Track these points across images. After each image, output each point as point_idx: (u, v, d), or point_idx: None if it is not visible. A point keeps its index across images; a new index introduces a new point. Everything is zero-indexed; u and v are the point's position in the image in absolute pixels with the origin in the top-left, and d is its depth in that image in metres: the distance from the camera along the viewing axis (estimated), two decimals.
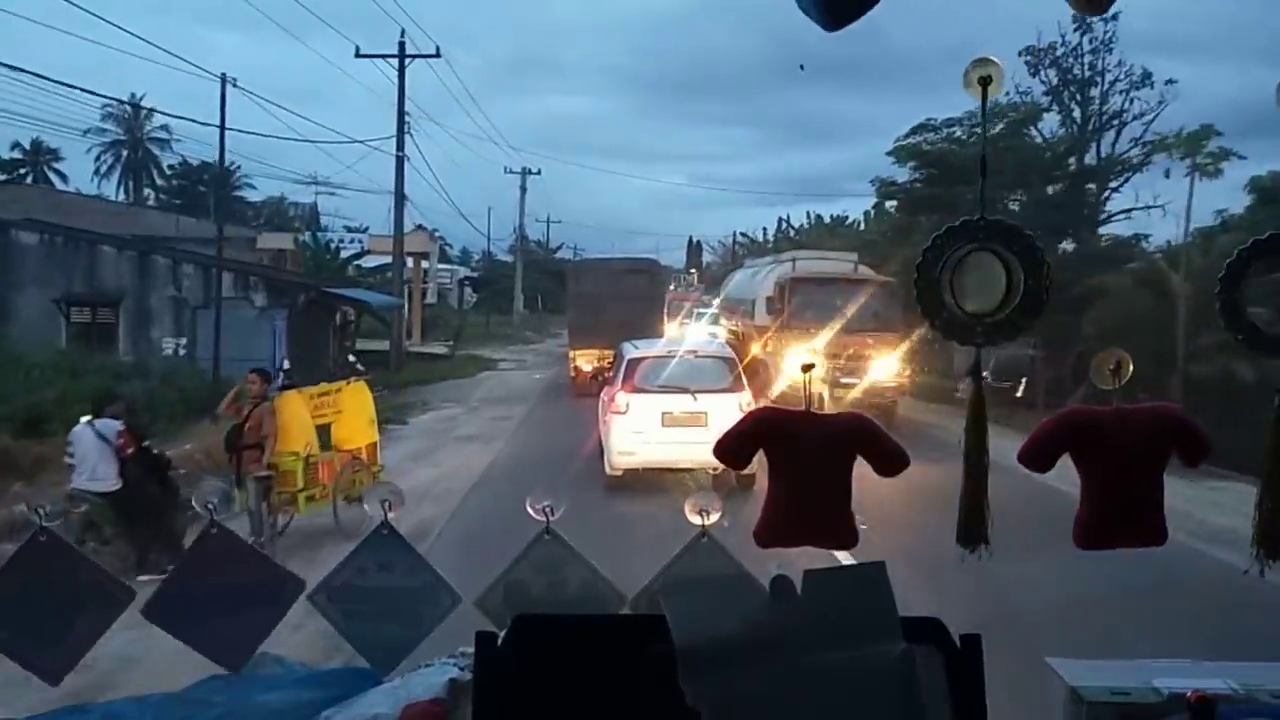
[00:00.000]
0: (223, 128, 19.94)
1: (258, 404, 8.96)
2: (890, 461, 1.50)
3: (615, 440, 11.89)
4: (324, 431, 10.06)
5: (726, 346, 15.94)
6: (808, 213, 63.36)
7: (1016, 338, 1.55)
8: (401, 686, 1.47)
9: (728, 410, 11.19)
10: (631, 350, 13.08)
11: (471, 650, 1.40)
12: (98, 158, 57.99)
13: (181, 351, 21.02)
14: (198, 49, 48.63)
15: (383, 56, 27.05)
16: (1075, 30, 22.61)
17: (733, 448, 1.54)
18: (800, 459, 1.50)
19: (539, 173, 58.38)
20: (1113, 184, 24.03)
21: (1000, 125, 23.61)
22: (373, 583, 1.70)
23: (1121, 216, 23.89)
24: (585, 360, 21.41)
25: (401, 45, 27.13)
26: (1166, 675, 1.49)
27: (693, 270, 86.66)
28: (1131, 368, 1.49)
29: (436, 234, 66.95)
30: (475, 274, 67.01)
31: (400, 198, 28.26)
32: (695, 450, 11.04)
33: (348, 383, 10.99)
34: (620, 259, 27.41)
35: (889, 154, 26.65)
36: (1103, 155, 23.99)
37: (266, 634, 1.68)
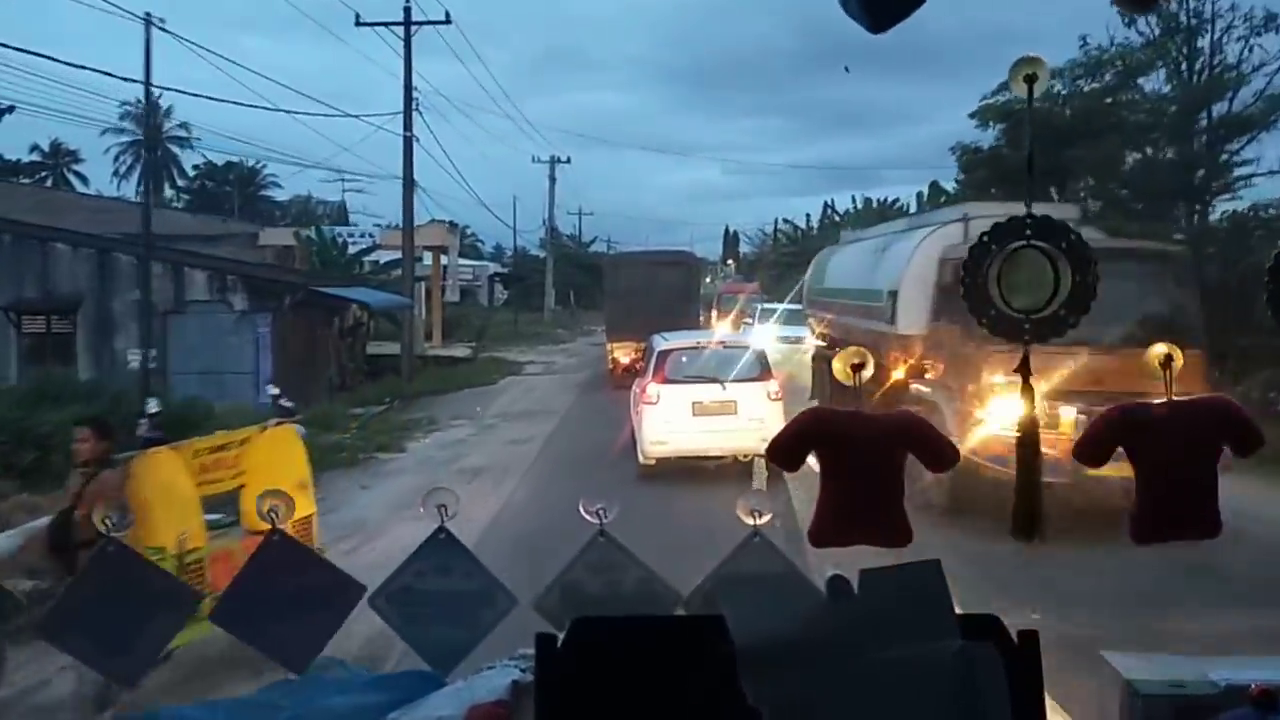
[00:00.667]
0: (148, 82, 19.50)
1: (93, 474, 6.26)
2: (941, 459, 1.70)
3: (648, 430, 13.51)
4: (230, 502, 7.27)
5: (760, 341, 16.94)
6: (853, 197, 63.24)
7: (1064, 334, 1.73)
8: (465, 689, 1.71)
9: (756, 398, 13.42)
10: (661, 342, 14.71)
11: (532, 652, 1.61)
12: (116, 158, 61.64)
13: (151, 365, 19.62)
14: (227, 52, 50.39)
15: (386, 24, 26.97)
16: None
17: (786, 448, 1.77)
18: (853, 459, 1.69)
19: (568, 161, 59.49)
20: (1231, 146, 22.84)
21: (1107, 77, 23.13)
22: (431, 586, 1.93)
23: (1240, 185, 22.77)
24: (622, 352, 23.48)
25: (407, 11, 27.09)
26: (1222, 668, 1.65)
27: (730, 261, 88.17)
28: (1181, 361, 1.74)
29: (468, 230, 66.54)
30: (506, 270, 68.25)
31: (409, 183, 27.84)
32: (726, 438, 13.22)
33: (263, 429, 8.05)
34: (655, 252, 30.62)
35: (971, 115, 25.86)
36: (1215, 113, 22.82)
37: (329, 637, 1.91)
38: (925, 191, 44.23)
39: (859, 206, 57.22)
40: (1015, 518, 1.80)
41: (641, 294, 24.45)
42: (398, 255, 32.53)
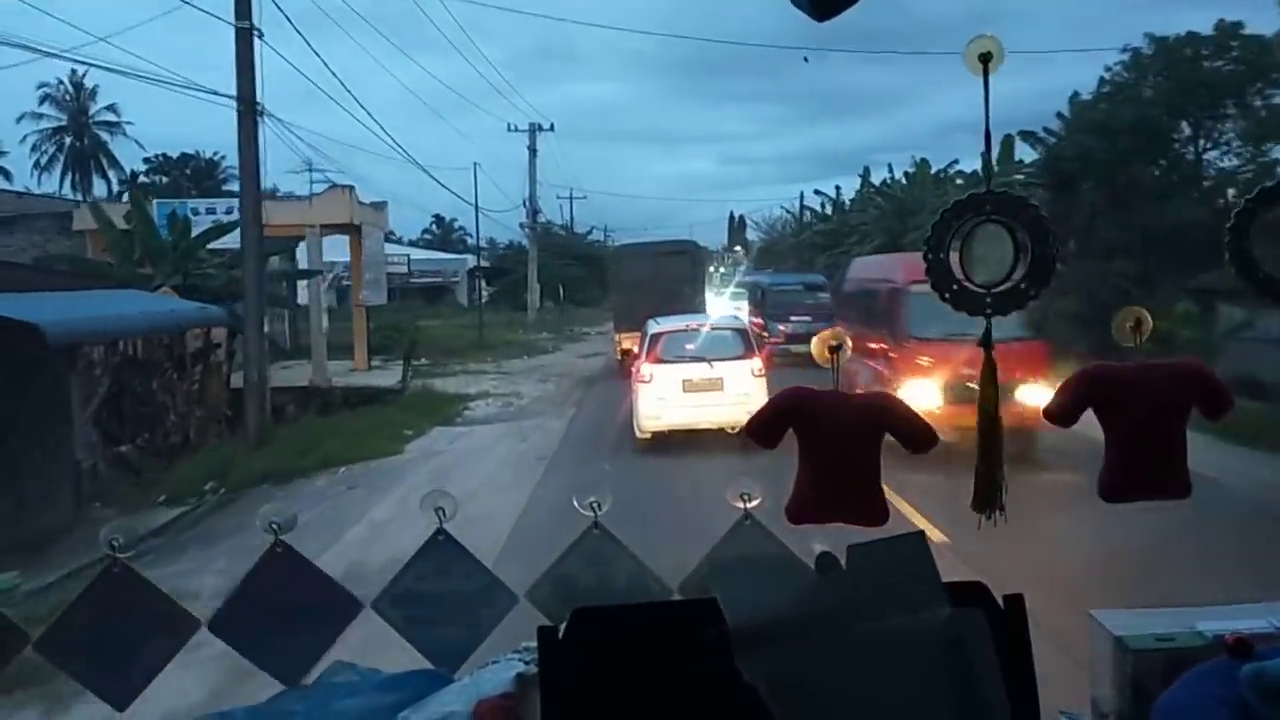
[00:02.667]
0: None
1: None
2: (919, 440, 1.74)
3: (642, 406, 15.09)
4: None
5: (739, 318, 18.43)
6: (889, 166, 48.98)
7: (1025, 305, 1.79)
8: (471, 684, 1.75)
9: (741, 376, 15.08)
10: (654, 326, 16.26)
11: (534, 645, 1.69)
12: (35, 147, 55.33)
13: None
14: (214, 53, 47.41)
15: None
16: None
17: (762, 428, 1.80)
18: (829, 438, 1.74)
19: (551, 128, 51.06)
20: None
21: None
22: (432, 587, 1.99)
23: None
24: (630, 342, 23.04)
25: None
26: (1210, 619, 1.69)
27: (738, 247, 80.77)
28: (1151, 324, 1.80)
29: (455, 223, 61.15)
30: (488, 264, 59.67)
31: (251, 108, 17.39)
32: (714, 412, 14.76)
33: None
34: (660, 242, 30.78)
35: None
36: None
37: (324, 651, 1.97)
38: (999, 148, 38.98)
39: (908, 172, 43.04)
40: (977, 492, 1.86)
41: (648, 284, 25.17)
42: (297, 238, 24.36)
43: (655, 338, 15.80)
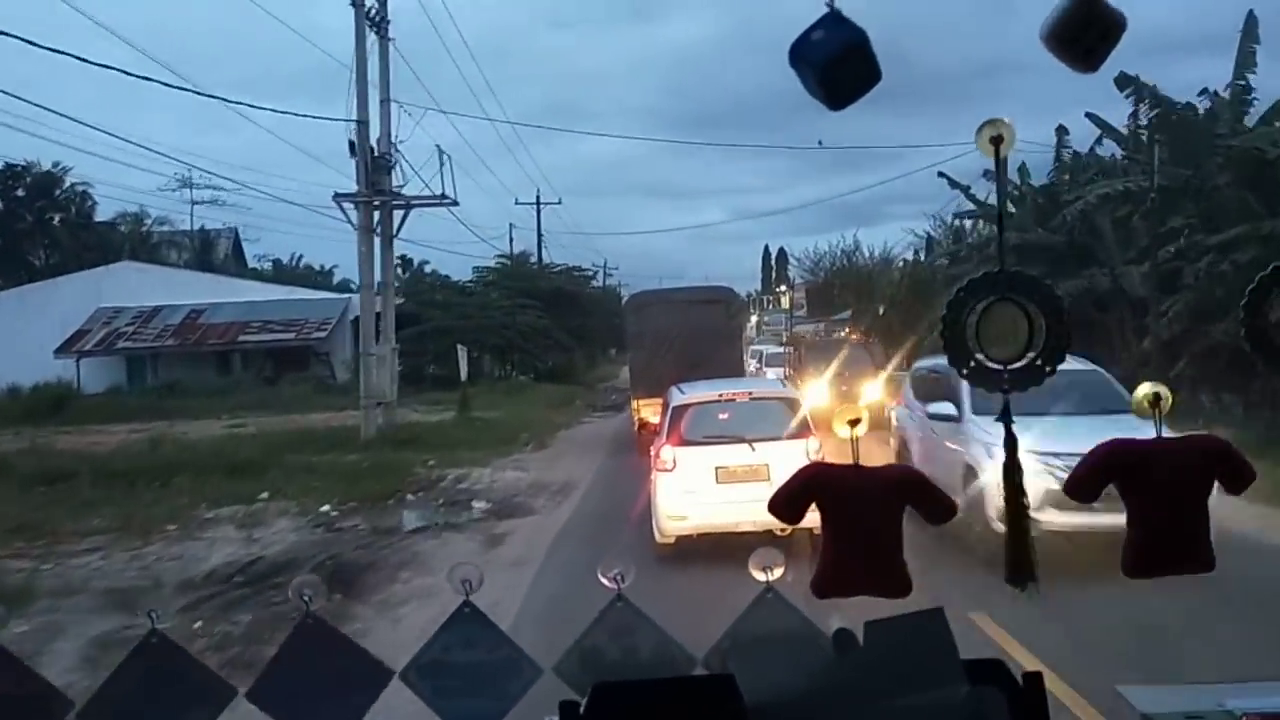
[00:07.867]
0: None
1: None
2: (939, 512, 1.76)
3: (663, 502, 11.46)
4: None
5: (787, 385, 14.31)
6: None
7: (1042, 382, 1.80)
8: None
9: (793, 461, 10.29)
10: (678, 396, 12.69)
11: (557, 718, 1.73)
12: None
13: None
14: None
15: None
16: None
17: (785, 503, 1.84)
18: (852, 511, 1.76)
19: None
20: None
21: None
22: (458, 659, 2.01)
23: None
24: (651, 410, 18.75)
25: None
26: (1240, 697, 1.66)
27: (783, 287, 67.36)
28: (1171, 400, 1.79)
29: (426, 266, 42.01)
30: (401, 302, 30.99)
31: None
32: (757, 509, 10.21)
33: None
34: (687, 289, 25.92)
35: None
36: None
37: (360, 717, 2.04)
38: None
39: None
40: (1009, 564, 1.85)
41: (673, 339, 21.33)
42: None
43: (679, 411, 12.10)
